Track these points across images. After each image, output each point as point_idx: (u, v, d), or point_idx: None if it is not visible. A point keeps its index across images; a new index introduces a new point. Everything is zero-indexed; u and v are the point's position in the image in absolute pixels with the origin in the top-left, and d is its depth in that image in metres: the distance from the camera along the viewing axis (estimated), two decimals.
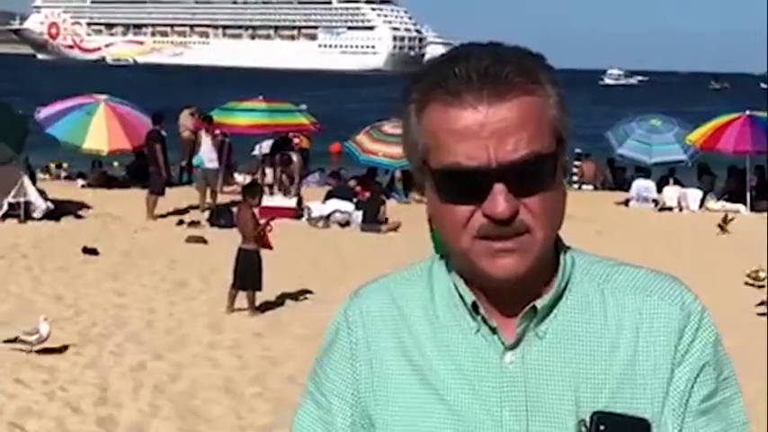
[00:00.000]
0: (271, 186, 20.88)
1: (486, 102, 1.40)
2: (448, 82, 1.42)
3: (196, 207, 18.39)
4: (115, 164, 22.11)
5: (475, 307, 1.49)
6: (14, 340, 8.49)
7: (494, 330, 1.49)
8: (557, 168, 1.45)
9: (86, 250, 13.82)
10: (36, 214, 16.49)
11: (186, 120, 21.99)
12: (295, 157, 19.59)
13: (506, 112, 1.40)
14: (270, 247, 10.96)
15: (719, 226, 18.01)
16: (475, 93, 1.40)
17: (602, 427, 1.45)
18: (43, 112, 21.20)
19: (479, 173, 1.40)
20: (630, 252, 11.23)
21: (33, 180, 17.64)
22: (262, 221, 11.31)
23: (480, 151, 1.40)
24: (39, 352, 8.50)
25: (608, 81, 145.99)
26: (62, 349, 8.69)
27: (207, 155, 18.96)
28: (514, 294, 1.48)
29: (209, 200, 18.49)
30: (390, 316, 1.55)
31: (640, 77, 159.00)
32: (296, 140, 21.42)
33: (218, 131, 19.75)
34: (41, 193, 17.05)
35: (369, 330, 1.55)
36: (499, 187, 1.40)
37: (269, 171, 21.52)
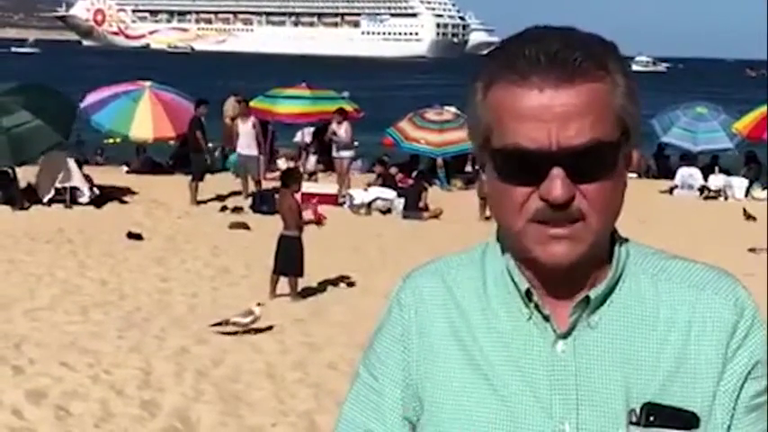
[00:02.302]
0: (313, 173, 20.95)
1: (553, 85, 1.39)
2: (517, 62, 1.41)
3: (238, 193, 18.47)
4: (172, 142, 22.14)
5: (528, 294, 1.49)
6: (224, 323, 8.90)
7: (546, 318, 1.49)
8: (618, 158, 1.44)
9: (131, 235, 13.95)
10: (82, 200, 16.68)
11: (228, 106, 22.08)
12: (343, 129, 19.66)
13: (571, 97, 1.39)
14: (321, 223, 11.06)
15: (744, 212, 17.98)
16: (542, 75, 1.39)
17: (651, 419, 1.45)
18: (88, 99, 21.39)
19: (539, 155, 1.39)
20: (674, 241, 11.15)
21: (80, 166, 17.82)
22: (303, 208, 11.35)
23: (541, 134, 1.39)
24: (249, 332, 8.96)
25: (636, 68, 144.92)
26: (268, 329, 9.16)
27: (243, 142, 18.95)
28: (568, 282, 1.48)
29: (252, 187, 18.50)
30: (442, 300, 1.55)
31: (667, 64, 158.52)
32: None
33: (251, 118, 19.61)
34: (87, 178, 17.22)
35: (420, 314, 1.56)
36: (557, 171, 1.39)
37: (312, 158, 21.57)
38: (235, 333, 8.93)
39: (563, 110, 1.39)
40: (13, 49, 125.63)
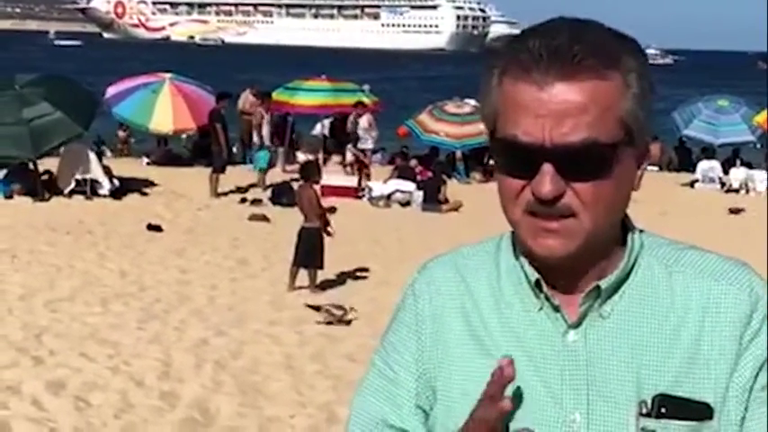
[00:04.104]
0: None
1: (551, 81, 1.39)
2: (521, 56, 1.41)
3: (257, 185, 18.53)
4: (184, 136, 22.28)
5: (538, 285, 1.49)
6: (318, 309, 9.29)
7: (557, 309, 1.49)
8: (614, 159, 1.41)
9: (151, 227, 13.99)
10: (102, 192, 16.73)
11: (243, 100, 22.11)
12: (366, 121, 19.67)
13: (570, 93, 1.38)
14: (329, 234, 10.97)
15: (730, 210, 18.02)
16: (542, 71, 1.39)
17: (663, 410, 1.44)
18: (110, 91, 21.48)
19: (532, 150, 1.40)
20: (693, 234, 11.09)
21: (100, 158, 17.89)
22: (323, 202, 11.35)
23: (536, 129, 1.39)
24: (334, 322, 9.15)
25: None
26: (350, 322, 9.23)
27: (270, 133, 19.05)
28: (571, 274, 1.48)
29: (268, 179, 18.59)
30: (457, 290, 1.56)
31: (675, 57, 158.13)
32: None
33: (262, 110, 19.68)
34: (106, 169, 17.24)
35: (435, 304, 1.56)
36: (547, 167, 1.39)
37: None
38: (327, 323, 9.14)
39: (560, 107, 1.38)
40: (56, 42, 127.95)
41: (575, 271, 1.47)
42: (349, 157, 19.94)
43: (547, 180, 1.39)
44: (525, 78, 1.40)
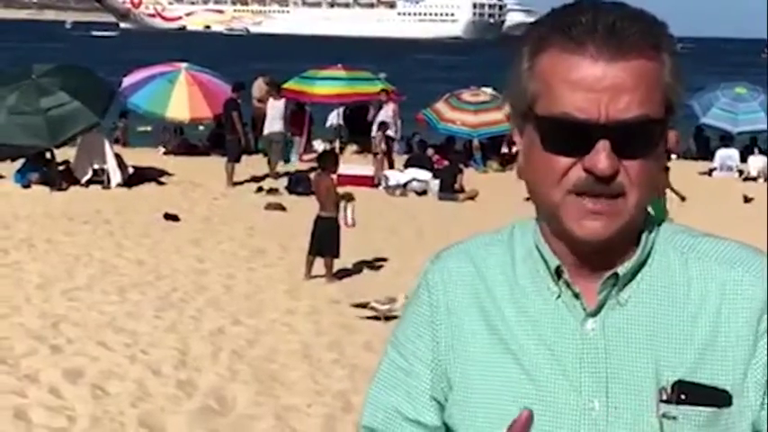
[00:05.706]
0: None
1: (608, 56, 1.38)
2: (572, 29, 1.39)
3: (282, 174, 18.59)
4: (201, 127, 22.34)
5: (558, 272, 1.48)
6: (365, 306, 9.15)
7: (576, 296, 1.47)
8: (662, 136, 1.43)
9: (167, 216, 14.03)
10: (113, 181, 16.71)
11: (256, 88, 22.10)
12: (391, 110, 19.66)
13: (624, 70, 1.38)
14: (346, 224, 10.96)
15: (744, 197, 17.89)
16: (599, 44, 1.38)
17: (682, 396, 1.43)
18: (125, 81, 21.54)
19: (587, 126, 1.38)
20: (711, 222, 11.03)
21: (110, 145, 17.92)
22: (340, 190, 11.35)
23: (592, 104, 1.38)
24: (386, 318, 8.97)
25: None
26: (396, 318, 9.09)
27: (270, 121, 19.14)
28: (599, 257, 1.46)
29: (279, 167, 18.67)
30: (470, 280, 1.54)
31: (681, 44, 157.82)
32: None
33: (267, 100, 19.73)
34: (117, 158, 17.20)
35: (449, 294, 1.55)
36: (604, 143, 1.38)
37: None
38: (376, 318, 9.06)
39: (615, 82, 1.38)
40: (93, 33, 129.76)
41: (601, 255, 1.46)
42: (382, 145, 19.92)
43: (604, 156, 1.38)
44: (577, 51, 1.39)
